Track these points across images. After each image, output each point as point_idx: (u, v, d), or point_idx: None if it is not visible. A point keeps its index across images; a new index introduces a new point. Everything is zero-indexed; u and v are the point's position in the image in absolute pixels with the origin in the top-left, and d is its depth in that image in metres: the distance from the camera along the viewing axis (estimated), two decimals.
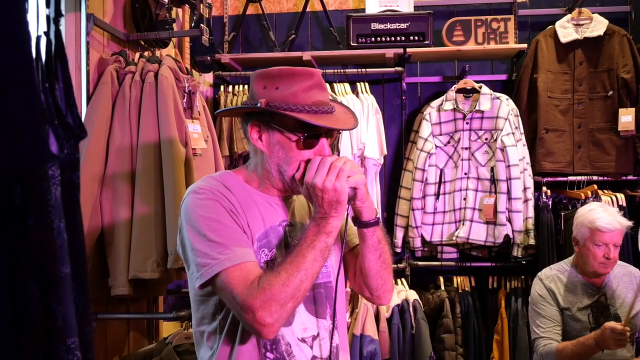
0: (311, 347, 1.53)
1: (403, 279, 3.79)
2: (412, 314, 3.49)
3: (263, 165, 1.54)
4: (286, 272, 1.37)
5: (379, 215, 1.57)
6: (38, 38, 0.88)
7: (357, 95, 3.74)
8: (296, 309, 1.45)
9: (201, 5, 3.27)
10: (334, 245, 1.55)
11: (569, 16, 3.77)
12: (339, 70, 3.76)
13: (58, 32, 0.92)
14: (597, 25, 3.71)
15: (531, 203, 3.63)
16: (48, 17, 0.91)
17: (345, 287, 1.89)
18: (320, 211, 1.44)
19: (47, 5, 0.90)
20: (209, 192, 1.48)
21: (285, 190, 1.55)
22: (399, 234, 3.83)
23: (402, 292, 3.63)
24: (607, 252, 2.68)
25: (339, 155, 1.60)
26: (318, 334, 1.55)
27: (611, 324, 2.51)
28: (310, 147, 1.48)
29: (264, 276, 1.38)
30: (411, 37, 3.67)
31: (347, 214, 1.52)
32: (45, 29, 0.91)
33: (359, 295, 3.40)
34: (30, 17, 0.85)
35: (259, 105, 1.46)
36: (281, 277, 1.36)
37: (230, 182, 1.54)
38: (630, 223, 2.78)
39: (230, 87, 3.85)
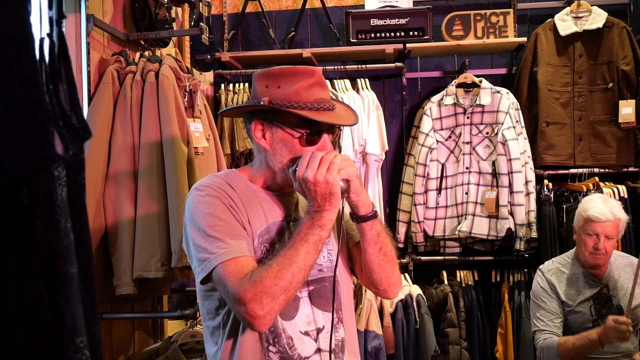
0: (315, 340, 1.54)
1: (406, 274, 3.80)
2: (415, 308, 3.50)
3: (267, 162, 1.56)
4: (278, 265, 1.39)
5: (376, 209, 1.59)
6: (41, 40, 0.89)
7: (357, 91, 3.74)
8: (291, 301, 1.46)
9: (200, 4, 3.27)
10: (335, 239, 1.56)
11: (568, 9, 3.77)
12: (339, 67, 3.77)
13: (61, 34, 0.92)
14: (596, 18, 3.70)
15: (533, 196, 3.63)
16: (51, 18, 0.91)
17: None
18: (314, 204, 1.46)
19: (50, 7, 0.91)
20: (210, 189, 1.51)
21: (289, 186, 1.56)
22: (402, 229, 3.83)
23: (406, 287, 3.64)
24: (596, 242, 2.67)
25: (340, 151, 1.61)
26: (323, 327, 1.56)
27: (613, 316, 2.50)
28: (312, 143, 1.51)
29: (256, 269, 1.40)
30: (411, 33, 3.67)
31: (343, 207, 1.53)
32: (48, 31, 0.91)
33: (362, 291, 3.41)
34: (34, 19, 0.85)
35: (262, 103, 1.48)
36: (273, 270, 1.38)
37: (233, 180, 1.57)
38: (627, 217, 2.77)
39: (231, 85, 3.86)
